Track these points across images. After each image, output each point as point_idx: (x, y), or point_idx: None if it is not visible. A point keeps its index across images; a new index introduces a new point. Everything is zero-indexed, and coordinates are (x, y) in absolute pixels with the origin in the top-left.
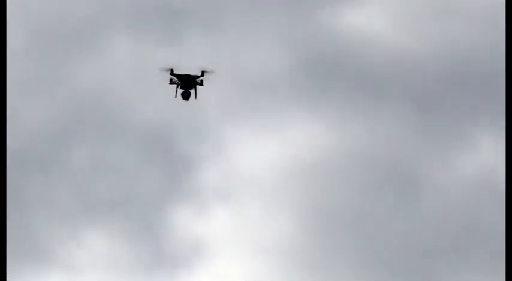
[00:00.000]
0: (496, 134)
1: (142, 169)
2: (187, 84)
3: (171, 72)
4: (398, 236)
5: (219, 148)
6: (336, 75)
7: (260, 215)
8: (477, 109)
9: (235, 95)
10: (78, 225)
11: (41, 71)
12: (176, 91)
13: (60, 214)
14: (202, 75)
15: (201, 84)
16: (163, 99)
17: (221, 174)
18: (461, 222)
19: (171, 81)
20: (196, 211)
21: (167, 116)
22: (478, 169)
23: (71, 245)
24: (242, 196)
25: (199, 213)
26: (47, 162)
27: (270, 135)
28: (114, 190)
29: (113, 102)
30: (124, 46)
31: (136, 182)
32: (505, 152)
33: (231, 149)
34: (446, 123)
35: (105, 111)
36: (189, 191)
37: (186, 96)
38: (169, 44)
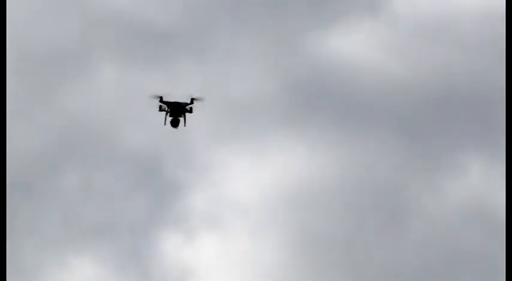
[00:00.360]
0: (485, 161)
1: (131, 195)
2: (176, 111)
3: (161, 99)
4: (387, 263)
5: (207, 174)
6: (323, 102)
7: (248, 242)
8: (465, 136)
9: (223, 121)
10: (66, 251)
11: (28, 98)
12: (165, 118)
13: (48, 240)
14: (192, 102)
15: (191, 111)
16: (151, 125)
17: (209, 200)
18: (448, 249)
19: (161, 109)
20: (184, 237)
21: (155, 142)
22: (467, 196)
23: (58, 272)
24: (230, 222)
25: (187, 239)
26: (35, 188)
27: (258, 161)
28: (102, 216)
29: (101, 128)
30: (112, 73)
31: (124, 209)
32: (505, 179)
33: (219, 175)
34: (434, 150)
35: (93, 137)
36: (177, 217)
37: (175, 124)
38: (158, 71)
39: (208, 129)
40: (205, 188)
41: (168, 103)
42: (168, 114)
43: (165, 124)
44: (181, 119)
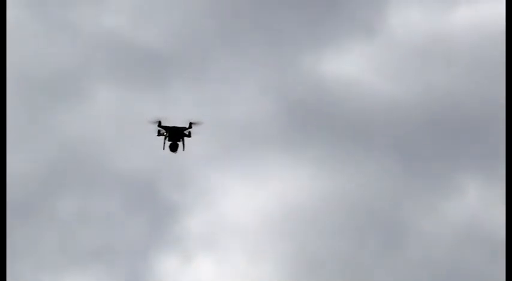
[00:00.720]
0: (482, 180)
1: (128, 217)
2: (175, 136)
3: (159, 124)
4: None
5: (203, 196)
6: (320, 123)
7: (245, 263)
8: (464, 156)
9: (219, 143)
10: (63, 274)
11: (24, 121)
12: (164, 143)
13: (45, 263)
14: (190, 127)
15: (189, 135)
16: (147, 148)
17: (206, 222)
18: (446, 269)
19: (159, 133)
20: (182, 259)
21: (152, 165)
22: (464, 216)
23: None
24: (227, 244)
25: (185, 262)
26: (31, 211)
27: (255, 183)
28: (99, 239)
29: (98, 151)
30: (109, 96)
31: (121, 231)
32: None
33: (216, 197)
34: (431, 170)
35: (90, 160)
36: (174, 239)
37: (173, 148)
38: (154, 94)
39: (205, 152)
40: (203, 210)
41: (166, 128)
42: (167, 139)
43: (163, 149)
44: (180, 143)
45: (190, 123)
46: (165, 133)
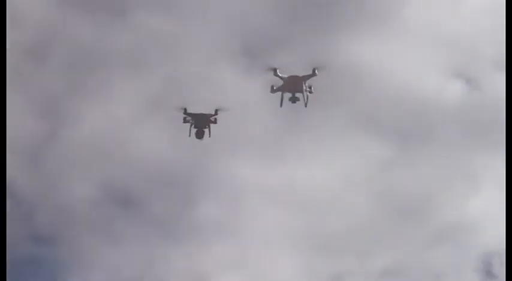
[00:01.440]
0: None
1: (145, 204)
2: (201, 122)
3: (185, 111)
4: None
5: (220, 183)
6: (334, 107)
7: (262, 250)
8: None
9: (235, 128)
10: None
11: None
12: (190, 130)
13: None
14: (216, 113)
15: (215, 122)
16: (163, 135)
17: (222, 209)
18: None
19: (185, 120)
20: (197, 246)
21: (168, 152)
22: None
23: None
24: (243, 230)
25: (200, 248)
26: (45, 196)
27: (271, 168)
28: (115, 224)
29: (113, 138)
30: (126, 82)
31: (137, 218)
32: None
33: (232, 183)
34: (443, 151)
35: (106, 147)
36: (190, 226)
37: (199, 135)
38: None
39: (220, 138)
40: (222, 196)
41: (192, 115)
42: (193, 126)
43: (189, 136)
44: (206, 130)
45: (216, 110)
46: (191, 120)
